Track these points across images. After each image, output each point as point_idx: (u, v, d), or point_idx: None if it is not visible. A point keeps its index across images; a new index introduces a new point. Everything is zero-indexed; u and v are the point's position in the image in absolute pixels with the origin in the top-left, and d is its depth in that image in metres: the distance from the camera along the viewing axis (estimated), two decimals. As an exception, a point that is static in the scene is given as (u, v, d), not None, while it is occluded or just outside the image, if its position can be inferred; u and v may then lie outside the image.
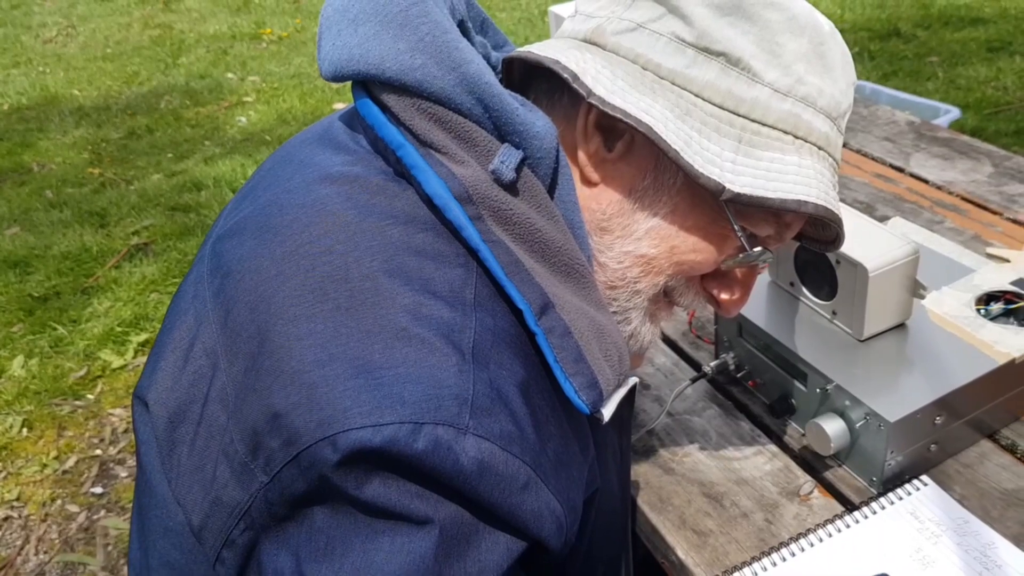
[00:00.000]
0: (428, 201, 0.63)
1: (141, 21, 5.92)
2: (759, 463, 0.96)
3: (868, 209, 1.34)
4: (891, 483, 0.89)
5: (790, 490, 0.92)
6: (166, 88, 4.76)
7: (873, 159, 1.50)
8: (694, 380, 1.06)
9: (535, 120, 0.64)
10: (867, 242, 0.90)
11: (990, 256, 1.15)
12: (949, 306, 0.96)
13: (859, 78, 3.16)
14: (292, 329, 0.59)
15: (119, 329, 2.66)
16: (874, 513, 0.87)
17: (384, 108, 0.64)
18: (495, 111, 0.63)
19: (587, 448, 0.68)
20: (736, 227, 0.68)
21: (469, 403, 0.56)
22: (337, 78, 0.65)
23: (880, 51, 4.24)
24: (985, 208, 1.31)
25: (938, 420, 0.87)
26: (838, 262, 0.92)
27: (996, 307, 0.96)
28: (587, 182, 0.70)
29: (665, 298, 0.76)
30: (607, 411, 0.63)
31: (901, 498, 0.88)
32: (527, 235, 0.63)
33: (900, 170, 1.46)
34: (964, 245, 1.18)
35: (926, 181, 1.41)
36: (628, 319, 0.73)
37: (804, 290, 0.99)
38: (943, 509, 0.86)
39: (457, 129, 0.63)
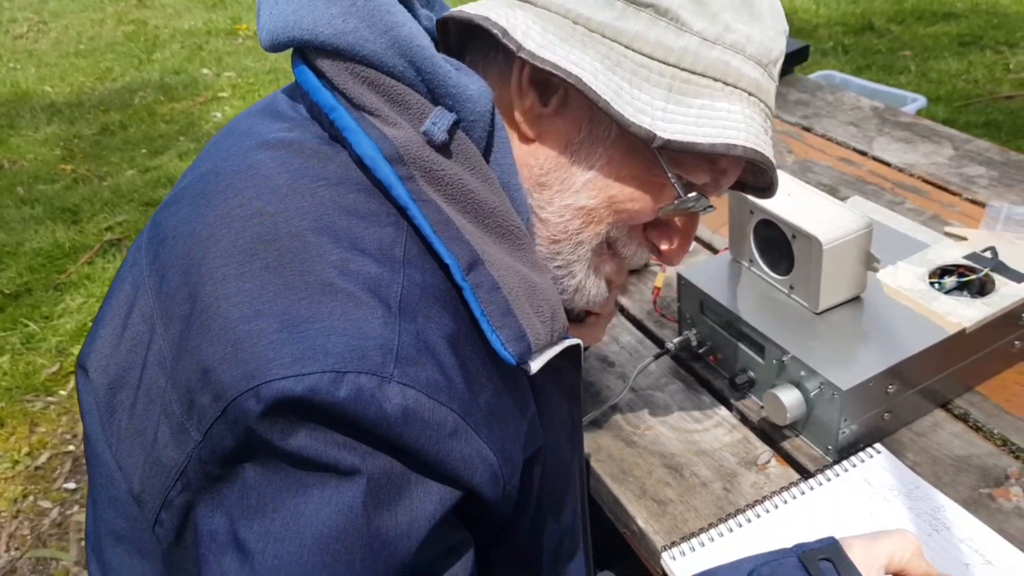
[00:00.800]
0: (360, 163, 0.64)
1: (115, 17, 5.88)
2: (719, 435, 0.97)
3: (831, 191, 1.37)
4: (846, 452, 0.91)
5: (748, 460, 0.94)
6: (140, 84, 4.74)
7: (837, 143, 1.53)
8: (657, 356, 1.08)
9: (469, 83, 0.66)
10: (822, 217, 0.92)
11: (948, 235, 1.17)
12: (904, 279, 0.98)
13: (832, 70, 3.19)
14: (221, 289, 0.60)
15: (92, 325, 2.65)
16: (828, 480, 0.89)
17: (319, 74, 0.66)
18: (428, 74, 0.64)
19: (525, 405, 0.69)
20: (670, 175, 0.70)
21: (394, 353, 0.57)
22: (275, 47, 0.67)
23: (854, 45, 4.28)
24: (945, 189, 1.34)
25: (891, 389, 0.89)
26: (794, 237, 0.93)
27: (949, 280, 0.98)
28: (524, 139, 0.71)
29: (609, 250, 0.77)
30: (536, 364, 0.64)
31: (855, 465, 0.90)
32: (459, 196, 0.64)
33: (863, 153, 1.48)
34: (924, 224, 1.20)
35: (888, 164, 1.44)
36: (572, 272, 0.75)
37: (763, 266, 1.01)
38: (895, 475, 0.88)
39: (390, 92, 0.64)
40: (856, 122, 1.59)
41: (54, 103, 4.54)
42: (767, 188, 0.79)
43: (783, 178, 1.00)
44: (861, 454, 0.90)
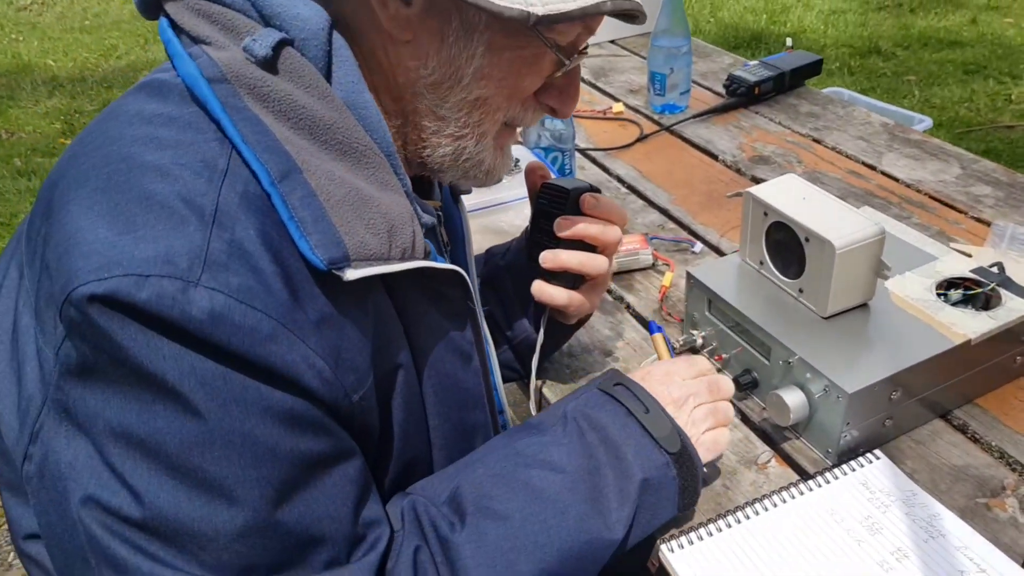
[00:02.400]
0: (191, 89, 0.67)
1: (124, -5, 5.87)
2: (720, 432, 0.98)
3: (838, 203, 1.38)
4: (845, 456, 0.92)
5: (748, 459, 0.94)
6: (144, 63, 4.73)
7: (847, 156, 1.54)
8: (661, 354, 1.09)
9: (296, 4, 0.68)
10: (836, 222, 0.93)
11: (953, 249, 1.18)
12: (911, 289, 0.99)
13: (841, 87, 3.21)
14: (58, 216, 0.62)
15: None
16: (827, 482, 0.89)
17: (169, 20, 0.70)
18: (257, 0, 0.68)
19: (368, 315, 0.70)
20: (548, 44, 0.73)
21: (202, 259, 0.59)
22: (138, 7, 0.73)
23: (860, 67, 4.32)
24: (951, 207, 1.35)
25: (894, 395, 0.90)
26: (807, 240, 0.94)
27: (955, 293, 0.99)
28: (400, 43, 0.72)
29: (507, 127, 0.81)
30: (357, 273, 0.65)
31: (854, 469, 0.90)
32: (289, 111, 0.66)
33: (872, 168, 1.49)
34: (929, 238, 1.21)
35: (896, 179, 1.45)
36: (481, 161, 0.79)
37: (773, 268, 1.02)
38: (893, 481, 0.89)
39: (220, 19, 0.68)
40: (866, 137, 1.60)
41: (56, 77, 4.53)
42: (635, 16, 0.78)
43: (799, 183, 1.01)
44: (860, 459, 0.91)
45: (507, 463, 0.78)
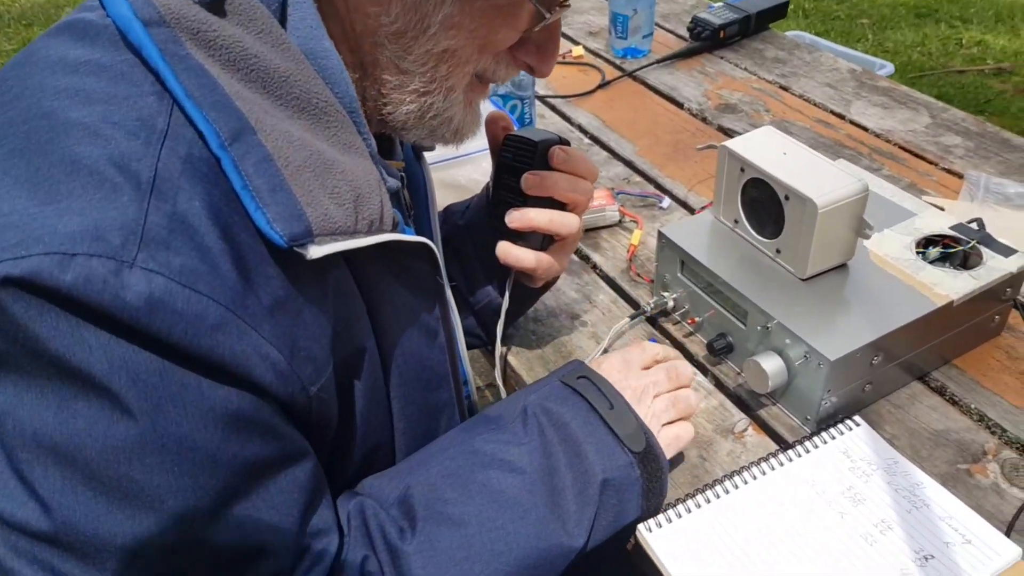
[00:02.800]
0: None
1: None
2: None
3: (808, 154, 1.34)
4: (824, 422, 0.89)
5: (724, 427, 0.91)
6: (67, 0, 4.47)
7: (815, 104, 1.50)
8: (632, 318, 1.04)
9: None
10: (817, 179, 0.88)
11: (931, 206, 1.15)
12: (890, 248, 0.96)
13: (802, 31, 3.16)
14: None
15: None
16: (807, 452, 0.86)
17: None
18: None
19: (328, 296, 0.63)
20: None
21: (139, 235, 0.50)
22: None
23: (814, 9, 4.27)
24: (922, 158, 1.32)
25: (875, 360, 0.87)
26: (787, 198, 0.90)
27: (934, 251, 0.96)
28: None
29: (480, 81, 0.74)
30: (321, 250, 0.58)
31: (834, 437, 0.87)
32: (239, 61, 0.58)
33: (841, 116, 1.45)
34: (904, 191, 1.18)
35: (866, 129, 1.41)
36: (450, 119, 0.72)
37: (749, 227, 0.97)
38: (874, 449, 0.86)
39: None
40: (834, 84, 1.56)
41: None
42: None
43: (777, 136, 0.96)
44: (840, 426, 0.88)
45: (463, 462, 0.72)
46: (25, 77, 0.58)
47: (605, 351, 1.01)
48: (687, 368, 0.87)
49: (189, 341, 0.51)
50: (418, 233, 0.87)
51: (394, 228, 0.67)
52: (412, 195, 0.86)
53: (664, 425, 0.82)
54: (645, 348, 0.88)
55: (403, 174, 0.83)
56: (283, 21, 0.62)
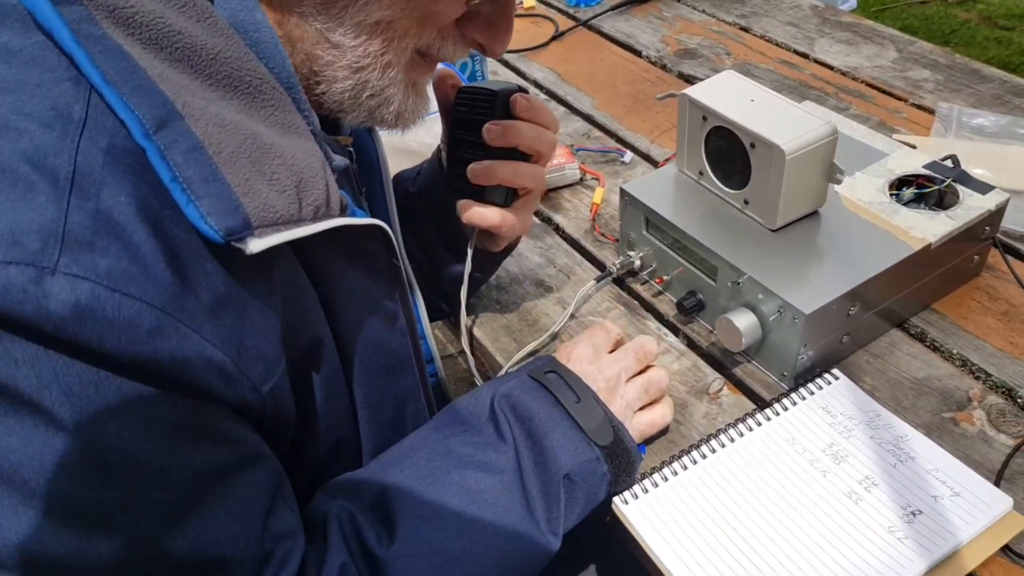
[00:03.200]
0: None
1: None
2: (666, 362, 0.90)
3: (773, 97, 1.29)
4: (802, 377, 0.85)
5: (699, 389, 0.87)
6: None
7: (777, 44, 1.44)
8: (599, 280, 1.00)
9: None
10: (783, 123, 0.84)
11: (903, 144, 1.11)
12: (863, 192, 0.91)
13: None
14: None
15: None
16: (785, 409, 0.83)
17: None
18: None
19: (275, 290, 0.58)
20: None
21: (60, 237, 0.46)
22: None
23: (772, -53, 4.18)
24: (890, 94, 1.27)
25: (851, 311, 0.83)
26: (752, 145, 0.85)
27: (908, 192, 0.91)
28: None
29: (424, 59, 0.68)
30: (261, 243, 0.53)
31: (812, 393, 0.84)
32: (162, 39, 0.52)
33: (804, 56, 1.40)
34: (874, 131, 1.13)
35: (831, 67, 1.36)
36: (388, 99, 0.66)
37: (714, 179, 0.93)
38: (854, 402, 0.83)
39: None
40: (796, 22, 1.50)
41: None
42: None
43: (739, 81, 0.91)
44: (819, 380, 0.85)
45: (439, 462, 0.68)
46: None
47: (572, 316, 0.96)
48: (652, 344, 0.83)
49: (123, 349, 0.47)
50: (372, 212, 0.81)
51: (343, 211, 0.62)
52: (363, 170, 0.80)
53: (639, 411, 0.80)
54: (608, 329, 0.84)
55: (351, 149, 0.77)
56: None
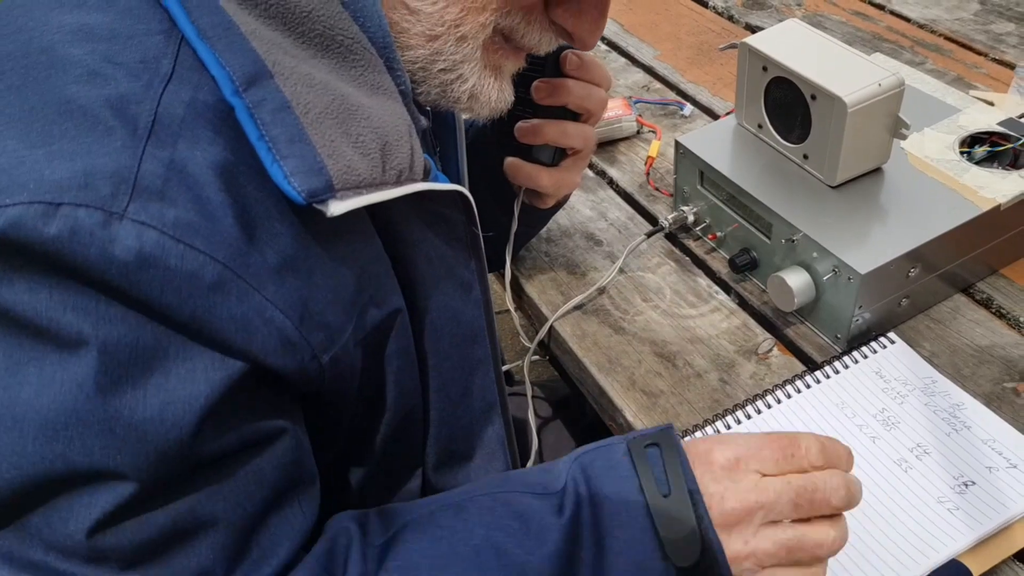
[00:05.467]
0: None
1: None
2: (715, 320, 0.88)
3: (843, 50, 1.23)
4: (856, 340, 0.82)
5: (748, 348, 0.85)
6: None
7: (851, -5, 1.38)
8: (650, 235, 0.98)
9: None
10: (846, 74, 0.80)
11: (976, 100, 1.05)
12: (931, 148, 0.87)
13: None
14: None
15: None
16: (837, 372, 0.80)
17: None
18: None
19: (348, 255, 0.56)
20: None
21: (131, 184, 0.45)
22: None
23: None
24: (970, 48, 1.21)
25: (912, 273, 0.80)
26: (813, 97, 0.81)
27: (980, 150, 0.87)
28: None
29: (507, 43, 0.64)
30: (342, 206, 0.51)
31: (866, 356, 0.81)
32: None
33: (880, 7, 1.33)
34: (948, 86, 1.08)
35: (907, 19, 1.29)
36: (462, 75, 0.62)
37: (773, 132, 0.89)
38: (911, 367, 0.80)
39: None
40: (873, -28, 1.43)
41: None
42: None
43: (803, 31, 0.87)
44: (874, 344, 0.82)
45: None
46: (29, 7, 0.53)
47: (621, 271, 0.95)
48: (849, 489, 0.57)
49: (181, 303, 0.46)
50: (446, 175, 0.80)
51: (425, 176, 0.60)
52: (439, 133, 0.79)
53: (768, 568, 0.56)
54: (799, 442, 0.57)
55: (429, 108, 0.76)
56: None
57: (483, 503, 0.58)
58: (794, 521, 0.56)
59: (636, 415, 0.80)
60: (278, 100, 0.50)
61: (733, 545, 0.55)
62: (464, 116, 0.68)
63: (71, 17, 0.51)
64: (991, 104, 1.02)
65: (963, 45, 1.22)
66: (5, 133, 0.46)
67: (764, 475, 0.56)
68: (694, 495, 0.54)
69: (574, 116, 0.82)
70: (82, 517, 0.47)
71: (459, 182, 0.81)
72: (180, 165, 0.47)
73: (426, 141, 0.73)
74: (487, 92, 0.65)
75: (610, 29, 1.40)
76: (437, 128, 0.78)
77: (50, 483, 0.47)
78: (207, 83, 0.50)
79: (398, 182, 0.56)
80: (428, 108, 0.73)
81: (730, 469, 0.56)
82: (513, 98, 0.68)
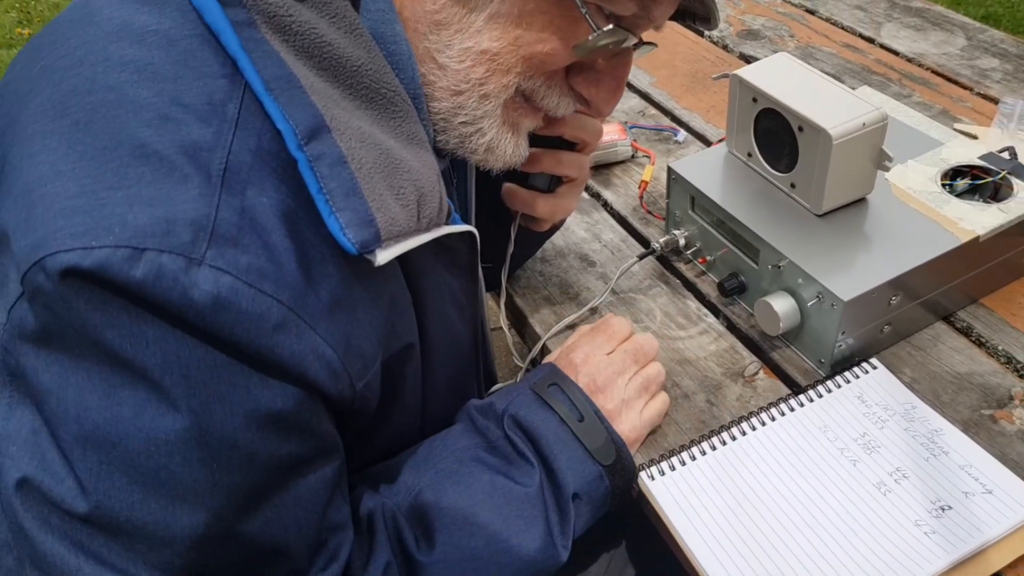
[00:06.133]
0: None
1: None
2: (704, 343, 0.90)
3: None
4: (840, 365, 0.85)
5: (734, 371, 0.87)
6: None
7: (843, 28, 1.41)
8: (642, 257, 1.00)
9: None
10: (832, 107, 0.82)
11: (957, 131, 1.08)
12: (913, 180, 0.90)
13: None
14: (27, 148, 0.51)
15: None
16: (820, 396, 0.82)
17: None
18: None
19: (386, 295, 0.62)
20: (580, 5, 0.59)
21: (209, 231, 0.49)
22: None
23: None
24: (956, 82, 1.24)
25: (893, 300, 0.82)
26: (800, 128, 0.84)
27: (962, 183, 0.89)
28: None
29: (527, 102, 0.68)
30: (386, 255, 0.56)
31: (849, 381, 0.83)
32: (313, 49, 0.55)
33: (870, 40, 1.37)
34: (933, 120, 1.11)
35: (896, 53, 1.33)
36: (481, 129, 0.66)
37: (762, 161, 0.92)
38: (891, 393, 0.82)
39: None
40: (863, 6, 1.47)
41: (4, -38, 4.23)
42: (709, 18, 0.68)
43: (792, 64, 0.90)
44: (856, 369, 0.84)
45: (472, 468, 0.72)
46: (87, 39, 0.55)
47: (613, 292, 0.97)
48: (650, 341, 0.84)
49: (250, 341, 0.51)
50: (457, 206, 0.84)
51: (448, 218, 0.65)
52: (454, 166, 0.82)
53: (640, 413, 0.80)
54: (607, 326, 0.84)
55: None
56: (355, 2, 0.59)
57: (471, 467, 0.72)
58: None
59: (624, 434, 0.82)
60: (335, 155, 0.53)
61: (612, 403, 0.77)
62: (479, 165, 0.71)
63: (133, 52, 0.53)
64: (975, 137, 1.05)
65: (949, 79, 1.25)
66: (79, 171, 0.49)
67: (607, 354, 0.81)
68: (598, 413, 0.75)
69: (570, 145, 0.84)
70: (181, 532, 0.52)
71: (467, 214, 0.85)
72: (250, 212, 0.51)
73: (445, 180, 0.76)
74: (503, 147, 0.68)
75: (607, 55, 1.43)
76: (451, 163, 0.81)
77: (158, 493, 0.51)
78: (269, 130, 0.53)
79: (428, 228, 0.60)
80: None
81: (590, 369, 0.79)
82: (528, 153, 0.72)
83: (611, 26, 0.61)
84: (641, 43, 0.67)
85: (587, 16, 0.60)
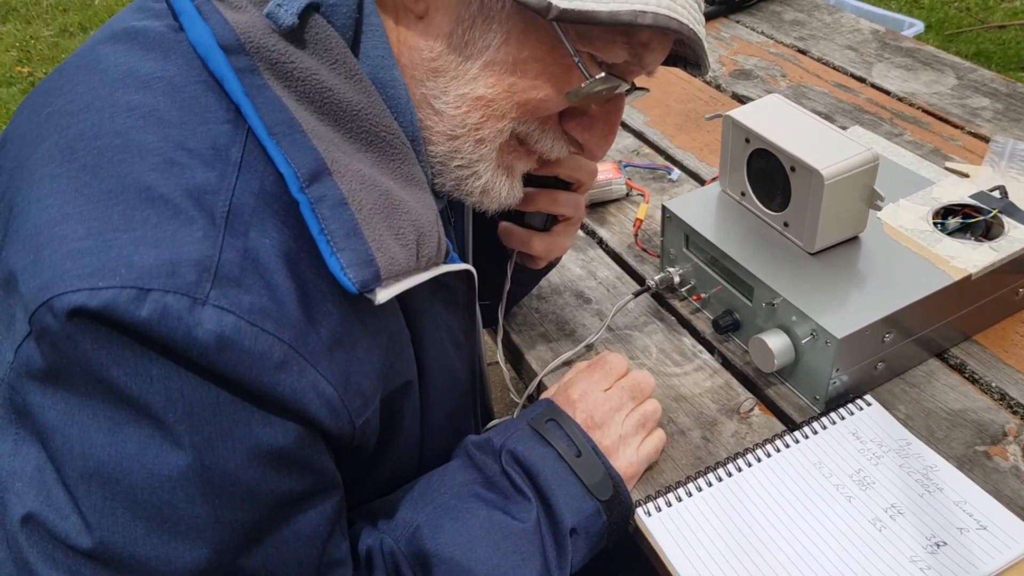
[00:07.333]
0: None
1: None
2: (699, 379, 0.91)
3: (827, 120, 1.28)
4: (834, 402, 0.85)
5: (730, 407, 0.88)
6: (102, -16, 4.48)
7: (834, 68, 1.44)
8: (637, 294, 1.01)
9: None
10: (824, 148, 0.84)
11: (949, 170, 1.10)
12: (905, 219, 0.91)
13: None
14: (35, 191, 0.53)
15: None
16: (815, 433, 0.83)
17: None
18: None
19: (385, 332, 0.63)
20: (573, 53, 0.61)
21: (213, 272, 0.50)
22: None
23: (846, -32, 4.13)
24: (947, 121, 1.26)
25: (887, 338, 0.83)
26: (793, 169, 0.85)
27: (953, 221, 0.91)
28: (413, 16, 0.62)
29: (521, 146, 0.69)
30: (385, 294, 0.57)
31: (843, 418, 0.84)
32: (314, 94, 0.56)
33: (861, 80, 1.39)
34: (924, 159, 1.12)
35: (888, 92, 1.35)
36: (476, 172, 0.67)
37: (756, 200, 0.93)
38: (886, 430, 0.82)
39: None
40: (855, 46, 1.49)
41: (8, 2, 4.29)
42: (700, 65, 0.70)
43: (784, 105, 0.91)
44: (851, 406, 0.85)
45: (469, 504, 0.72)
46: (92, 85, 0.57)
47: (608, 328, 0.98)
48: (647, 379, 0.84)
49: (252, 379, 0.52)
50: (455, 244, 0.85)
51: (446, 257, 0.66)
52: (451, 206, 0.84)
53: (637, 450, 0.80)
54: (604, 363, 0.84)
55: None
56: (355, 48, 0.61)
57: (469, 503, 0.72)
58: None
59: (621, 471, 0.83)
60: (336, 196, 0.55)
61: (609, 439, 0.78)
62: (474, 207, 0.73)
63: (139, 98, 0.55)
64: (966, 176, 1.07)
65: (940, 118, 1.27)
66: (87, 213, 0.50)
67: (604, 391, 0.81)
68: (596, 449, 0.76)
69: (566, 185, 0.86)
70: (184, 567, 0.53)
71: (464, 252, 0.86)
72: (253, 253, 0.52)
73: (443, 220, 0.77)
74: (498, 189, 0.70)
75: (603, 94, 1.45)
76: (449, 203, 0.83)
77: (161, 529, 0.52)
78: (271, 173, 0.55)
79: (427, 267, 0.62)
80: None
81: (587, 406, 0.79)
82: (522, 194, 0.73)
83: (603, 74, 0.63)
84: (634, 88, 0.68)
85: (580, 65, 0.62)
